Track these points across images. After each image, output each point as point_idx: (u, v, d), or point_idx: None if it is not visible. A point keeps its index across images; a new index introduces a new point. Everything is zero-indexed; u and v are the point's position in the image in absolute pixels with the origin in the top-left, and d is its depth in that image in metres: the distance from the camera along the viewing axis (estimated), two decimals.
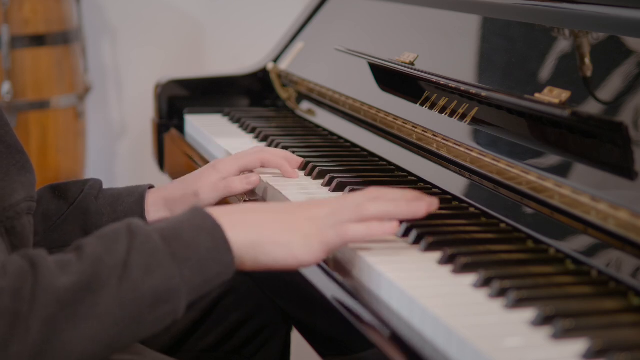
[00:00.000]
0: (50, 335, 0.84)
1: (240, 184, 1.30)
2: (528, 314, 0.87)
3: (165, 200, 1.30)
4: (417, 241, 1.06)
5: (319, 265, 1.07)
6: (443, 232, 1.09)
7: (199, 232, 0.95)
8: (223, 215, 0.98)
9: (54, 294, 0.85)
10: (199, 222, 0.96)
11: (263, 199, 1.35)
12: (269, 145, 1.60)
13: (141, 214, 1.28)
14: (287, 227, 0.99)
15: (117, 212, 1.28)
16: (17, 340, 0.83)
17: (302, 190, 1.31)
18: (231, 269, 0.96)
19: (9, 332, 0.83)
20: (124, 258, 0.90)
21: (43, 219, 1.27)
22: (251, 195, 1.37)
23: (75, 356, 0.86)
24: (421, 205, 1.04)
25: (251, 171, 1.35)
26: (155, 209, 1.30)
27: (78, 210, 1.27)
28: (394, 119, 1.46)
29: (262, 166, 1.36)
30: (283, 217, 1.01)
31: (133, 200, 1.28)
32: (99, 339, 0.87)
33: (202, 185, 1.30)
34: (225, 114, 1.88)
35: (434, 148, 1.33)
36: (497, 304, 0.90)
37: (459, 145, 1.27)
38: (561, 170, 1.09)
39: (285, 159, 1.37)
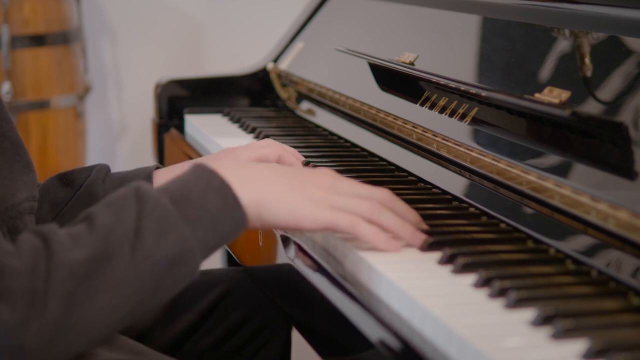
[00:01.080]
0: (69, 310, 0.84)
1: None
2: (528, 314, 0.87)
3: None
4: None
5: (319, 266, 1.07)
6: (443, 232, 1.09)
7: (208, 191, 0.94)
8: (229, 172, 0.98)
9: (69, 269, 0.85)
10: (206, 180, 0.95)
11: None
12: None
13: None
14: (297, 190, 1.00)
15: None
16: (37, 319, 0.82)
17: None
18: (242, 225, 0.96)
19: (28, 311, 0.82)
20: (135, 225, 0.89)
21: (52, 208, 1.26)
22: None
23: (97, 328, 0.86)
24: (421, 238, 1.03)
25: None
26: None
27: (85, 194, 1.26)
28: (394, 119, 1.46)
29: (278, 161, 1.35)
30: (294, 180, 1.02)
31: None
32: (118, 309, 0.87)
33: None
34: (225, 114, 1.88)
35: (434, 148, 1.33)
36: (497, 304, 0.90)
37: (459, 145, 1.27)
38: (561, 170, 1.09)
39: (299, 161, 1.36)
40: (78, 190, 1.26)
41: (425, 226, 1.07)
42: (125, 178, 1.29)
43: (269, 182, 1.00)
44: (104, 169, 1.29)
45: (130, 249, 0.88)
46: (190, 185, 0.95)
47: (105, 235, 0.88)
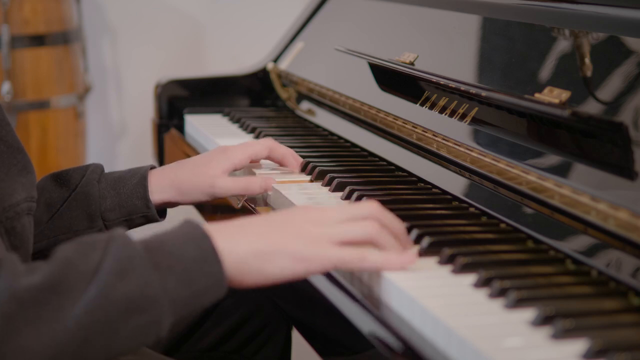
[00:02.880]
0: (7, 335, 0.80)
1: (260, 187, 1.29)
2: (528, 314, 0.87)
3: (171, 180, 1.29)
4: (417, 241, 1.06)
5: None
6: (443, 232, 1.09)
7: (186, 240, 0.89)
8: (220, 228, 0.92)
9: (13, 293, 0.81)
10: (187, 232, 0.90)
11: (263, 199, 1.35)
12: None
13: (144, 194, 1.27)
14: (290, 234, 0.94)
15: (120, 194, 1.27)
16: None
17: (302, 190, 1.31)
18: (222, 283, 0.89)
19: None
20: (97, 263, 0.85)
21: (46, 208, 1.26)
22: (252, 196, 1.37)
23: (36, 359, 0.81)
24: (411, 259, 0.97)
25: (257, 162, 1.36)
26: (159, 189, 1.28)
27: (80, 195, 1.27)
28: (394, 119, 1.46)
29: (269, 154, 1.35)
30: (289, 224, 0.95)
31: (135, 182, 1.28)
32: (63, 344, 0.82)
33: (216, 172, 1.28)
34: (225, 114, 1.88)
35: (434, 148, 1.33)
36: (497, 304, 0.90)
37: (459, 145, 1.27)
38: (561, 170, 1.09)
39: (291, 154, 1.37)
40: (73, 191, 1.27)
41: (411, 244, 1.03)
42: (121, 178, 1.29)
43: (263, 233, 0.94)
44: (98, 169, 1.30)
45: (85, 284, 0.83)
46: (169, 235, 0.90)
47: (62, 267, 0.84)
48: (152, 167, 1.31)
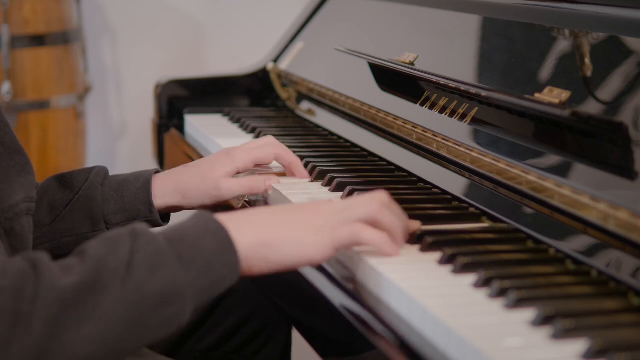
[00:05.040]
0: (52, 335, 0.83)
1: (264, 187, 1.29)
2: (528, 314, 0.87)
3: (175, 185, 1.28)
4: (417, 241, 1.06)
5: (320, 267, 1.07)
6: (443, 232, 1.09)
7: (204, 234, 0.93)
8: (228, 219, 0.96)
9: (56, 294, 0.84)
10: (203, 224, 0.94)
11: (263, 199, 1.35)
12: None
13: (148, 199, 1.27)
14: (297, 224, 0.99)
15: (124, 197, 1.27)
16: (19, 340, 0.82)
17: (302, 190, 1.31)
18: (237, 271, 0.95)
19: (11, 331, 0.82)
20: (128, 259, 0.88)
21: (50, 210, 1.26)
22: (252, 196, 1.37)
23: (79, 357, 0.85)
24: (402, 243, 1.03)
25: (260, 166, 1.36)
26: (163, 194, 1.28)
27: (84, 198, 1.26)
28: (394, 119, 1.46)
29: (275, 160, 1.35)
30: (291, 216, 1.00)
31: (139, 186, 1.27)
32: (102, 340, 0.85)
33: (220, 174, 1.28)
34: (225, 114, 1.88)
35: (434, 148, 1.33)
36: (497, 304, 0.90)
37: (459, 145, 1.27)
38: (561, 170, 1.09)
39: (298, 163, 1.35)
40: (77, 194, 1.26)
41: (420, 227, 1.07)
42: (125, 181, 1.28)
43: (272, 223, 0.99)
44: (102, 172, 1.29)
45: (120, 281, 0.87)
46: (186, 228, 0.94)
47: (96, 265, 0.87)
48: (157, 172, 1.31)
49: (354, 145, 1.56)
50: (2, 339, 0.81)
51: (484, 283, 0.94)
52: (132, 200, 1.26)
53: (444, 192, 1.25)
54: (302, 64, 1.89)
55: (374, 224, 1.00)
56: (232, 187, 1.28)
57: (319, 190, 1.31)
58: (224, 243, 0.94)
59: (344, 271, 1.05)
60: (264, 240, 0.96)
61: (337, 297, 1.01)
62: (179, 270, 0.90)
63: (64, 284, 0.85)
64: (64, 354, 0.84)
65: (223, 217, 0.96)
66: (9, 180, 1.06)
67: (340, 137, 1.62)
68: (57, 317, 0.83)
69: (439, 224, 1.13)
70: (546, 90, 1.15)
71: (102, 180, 1.28)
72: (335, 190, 1.30)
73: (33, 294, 0.83)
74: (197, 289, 0.91)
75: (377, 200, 1.01)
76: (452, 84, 1.31)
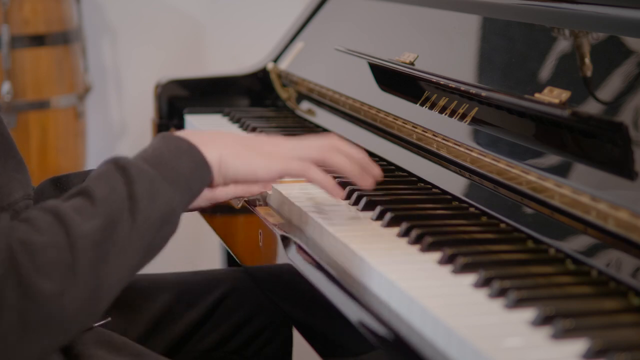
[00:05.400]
0: (94, 276, 0.91)
1: (260, 188, 1.27)
2: (528, 314, 0.87)
3: None
4: (416, 241, 1.06)
5: (320, 266, 1.07)
6: (443, 232, 1.09)
7: (180, 155, 1.03)
8: (192, 137, 1.06)
9: (88, 239, 0.92)
10: (176, 145, 1.04)
11: (263, 199, 1.35)
12: None
13: None
14: (250, 147, 1.11)
15: None
16: (71, 288, 0.89)
17: (302, 190, 1.31)
18: (208, 183, 1.07)
19: (64, 281, 0.89)
20: (127, 192, 0.97)
21: None
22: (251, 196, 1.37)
23: (116, 286, 0.95)
24: (370, 181, 1.16)
25: None
26: None
27: None
28: (394, 119, 1.46)
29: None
30: (250, 142, 1.12)
31: None
32: (128, 267, 0.96)
33: None
34: (225, 114, 1.88)
35: (434, 148, 1.33)
36: (497, 304, 0.90)
37: (459, 145, 1.27)
38: (561, 170, 1.09)
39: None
40: None
41: (378, 172, 1.17)
42: None
43: (227, 143, 1.09)
44: None
45: (129, 214, 0.96)
46: (161, 151, 1.03)
47: (105, 205, 0.95)
48: None
49: (354, 145, 1.56)
50: (59, 289, 0.89)
51: (484, 283, 0.94)
52: None
53: (444, 192, 1.25)
54: (302, 64, 1.89)
55: (323, 164, 1.12)
56: (228, 189, 1.27)
57: (319, 190, 1.31)
58: (199, 162, 1.05)
59: (344, 272, 1.05)
60: (223, 156, 1.08)
61: (337, 297, 1.01)
62: (170, 192, 1.00)
63: (90, 228, 0.92)
64: (105, 288, 0.93)
65: (187, 135, 1.06)
66: (8, 175, 1.07)
67: (340, 137, 1.62)
68: (95, 259, 0.92)
69: (439, 224, 1.13)
70: (546, 90, 1.15)
71: None
72: None
73: (69, 244, 0.91)
74: (183, 205, 1.03)
75: (328, 144, 1.13)
76: (452, 84, 1.31)
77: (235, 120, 1.82)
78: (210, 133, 1.11)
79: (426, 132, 1.36)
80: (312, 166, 1.12)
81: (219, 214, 1.55)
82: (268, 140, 1.14)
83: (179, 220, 1.02)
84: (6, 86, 2.64)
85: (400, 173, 1.38)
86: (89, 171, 1.29)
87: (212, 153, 1.07)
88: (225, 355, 1.41)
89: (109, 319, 1.23)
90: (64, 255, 0.90)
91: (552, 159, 1.12)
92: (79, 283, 0.90)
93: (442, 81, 1.34)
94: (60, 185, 1.28)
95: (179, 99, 1.95)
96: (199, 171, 1.05)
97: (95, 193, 0.96)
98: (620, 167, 1.01)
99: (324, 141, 1.15)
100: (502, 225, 1.11)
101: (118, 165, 0.99)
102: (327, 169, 1.14)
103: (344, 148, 1.15)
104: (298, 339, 1.38)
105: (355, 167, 1.14)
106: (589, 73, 1.15)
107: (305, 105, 1.84)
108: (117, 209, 0.95)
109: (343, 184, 1.29)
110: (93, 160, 3.09)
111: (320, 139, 1.15)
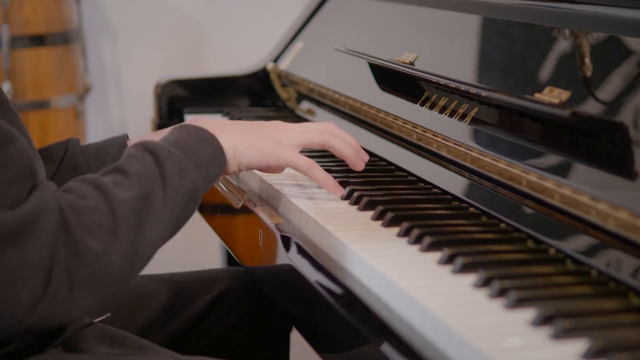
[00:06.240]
0: (133, 241, 0.99)
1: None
2: (528, 314, 0.87)
3: None
4: (417, 241, 1.06)
5: (320, 266, 1.07)
6: (443, 232, 1.09)
7: (200, 142, 1.12)
8: (209, 126, 1.15)
9: (127, 206, 1.00)
10: (196, 134, 1.12)
11: (262, 197, 1.35)
12: None
13: None
14: (259, 135, 1.20)
15: (105, 163, 1.31)
16: (115, 248, 0.97)
17: (302, 190, 1.31)
18: (223, 170, 1.15)
19: (108, 242, 0.97)
20: (158, 170, 1.04)
21: None
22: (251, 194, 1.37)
23: (149, 253, 1.03)
24: (362, 165, 1.28)
25: None
26: None
27: (68, 167, 1.29)
28: (394, 119, 1.46)
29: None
30: (255, 127, 1.22)
31: (117, 150, 1.34)
32: (159, 238, 1.04)
33: None
34: (225, 114, 1.88)
35: (434, 148, 1.33)
36: (497, 304, 0.90)
37: (459, 145, 1.27)
38: (561, 170, 1.09)
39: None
40: (60, 164, 1.28)
41: (367, 157, 1.29)
42: (102, 148, 1.34)
43: (239, 133, 1.19)
44: (77, 142, 1.34)
45: (161, 189, 1.04)
46: (184, 138, 1.11)
47: (139, 179, 1.03)
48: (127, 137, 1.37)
49: None
50: (104, 248, 0.96)
51: (484, 283, 0.94)
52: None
53: (444, 192, 1.25)
54: (302, 64, 1.89)
55: (325, 146, 1.24)
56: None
57: (319, 190, 1.31)
58: (217, 149, 1.13)
59: (344, 271, 1.05)
60: (237, 145, 1.17)
61: (336, 297, 1.01)
62: (195, 173, 1.08)
63: (128, 197, 1.00)
64: (141, 253, 1.01)
65: (206, 125, 1.15)
66: (34, 154, 1.09)
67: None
68: (134, 224, 1.00)
69: (439, 224, 1.13)
70: (546, 90, 1.15)
71: (81, 150, 1.30)
72: None
73: (110, 210, 0.98)
74: (204, 187, 1.10)
75: (328, 128, 1.25)
76: (452, 84, 1.31)
77: (235, 120, 1.82)
78: (220, 122, 1.20)
79: (426, 132, 1.36)
80: (316, 165, 1.22)
81: (219, 214, 1.55)
82: (274, 126, 1.23)
83: (200, 200, 1.10)
84: (6, 86, 2.65)
85: (400, 173, 1.38)
86: (69, 140, 1.31)
87: (227, 142, 1.15)
88: (222, 354, 1.41)
89: (109, 314, 1.23)
90: (107, 219, 0.98)
91: (552, 158, 1.12)
92: (120, 245, 0.98)
93: (442, 81, 1.34)
94: (43, 156, 1.27)
95: (179, 99, 1.95)
96: (217, 158, 1.13)
97: (128, 169, 1.04)
98: (620, 167, 1.01)
99: (323, 126, 1.25)
100: (502, 225, 1.11)
101: (147, 147, 1.07)
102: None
103: (340, 133, 1.26)
104: (298, 339, 1.38)
105: (352, 151, 1.26)
106: (589, 73, 1.15)
107: (305, 105, 1.84)
108: (150, 183, 1.03)
109: (341, 184, 1.29)
110: None
111: (319, 123, 1.27)
